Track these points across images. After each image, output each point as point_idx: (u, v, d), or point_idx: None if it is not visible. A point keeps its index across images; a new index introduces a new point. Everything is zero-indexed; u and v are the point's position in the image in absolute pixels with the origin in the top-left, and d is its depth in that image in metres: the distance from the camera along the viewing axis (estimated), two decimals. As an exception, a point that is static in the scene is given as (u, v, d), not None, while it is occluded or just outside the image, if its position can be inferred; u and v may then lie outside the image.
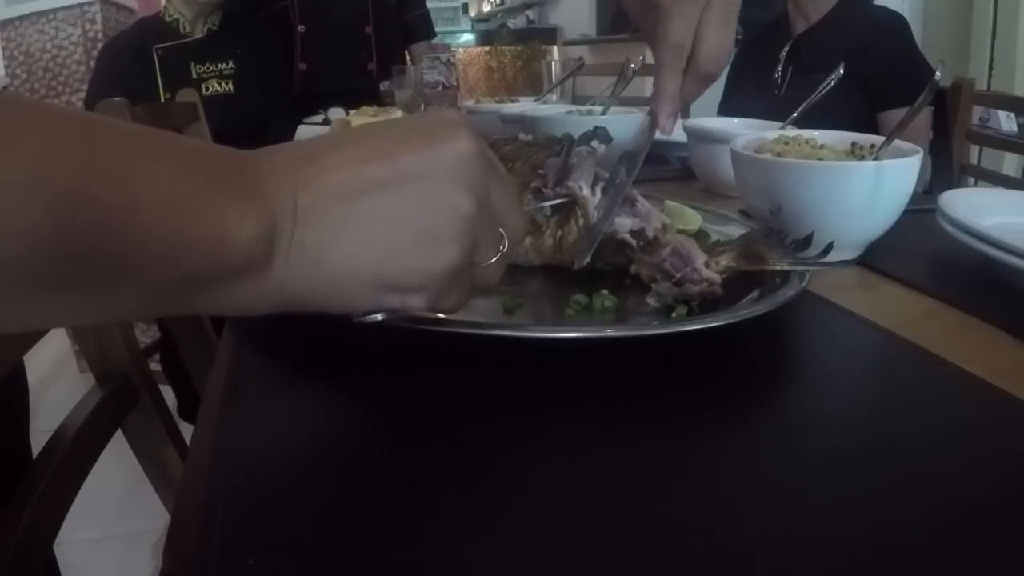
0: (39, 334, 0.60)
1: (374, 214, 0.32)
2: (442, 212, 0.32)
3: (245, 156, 0.31)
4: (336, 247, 0.32)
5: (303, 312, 0.34)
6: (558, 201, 0.55)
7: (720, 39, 0.52)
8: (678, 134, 1.05)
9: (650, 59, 0.59)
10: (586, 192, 0.55)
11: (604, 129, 0.59)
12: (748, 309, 0.46)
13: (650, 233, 0.52)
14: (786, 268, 0.50)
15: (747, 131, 0.79)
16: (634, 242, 0.52)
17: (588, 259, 0.52)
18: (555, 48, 4.81)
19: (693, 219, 0.66)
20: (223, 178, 0.29)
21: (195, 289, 0.29)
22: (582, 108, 1.05)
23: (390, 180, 0.32)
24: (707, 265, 0.49)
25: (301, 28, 2.03)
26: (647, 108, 0.57)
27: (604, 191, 0.55)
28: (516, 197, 0.38)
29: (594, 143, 0.58)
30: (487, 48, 4.89)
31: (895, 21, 1.68)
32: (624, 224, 0.53)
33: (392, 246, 0.32)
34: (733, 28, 0.53)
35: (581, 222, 0.55)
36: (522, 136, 0.69)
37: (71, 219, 0.24)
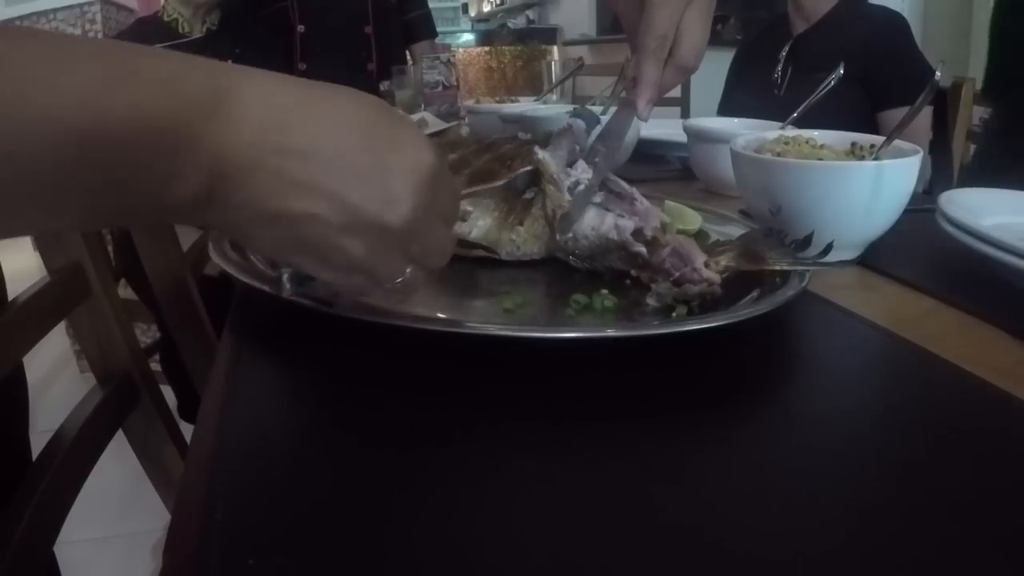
0: (37, 335, 0.60)
1: (291, 226, 0.35)
2: (335, 249, 0.36)
3: (215, 110, 0.32)
4: (256, 230, 0.36)
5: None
6: (521, 171, 0.56)
7: (701, 33, 0.55)
8: (678, 134, 1.05)
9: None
10: (541, 155, 0.55)
11: (591, 112, 0.60)
12: (748, 309, 0.46)
13: (648, 232, 0.52)
14: (786, 268, 0.50)
15: (747, 131, 0.79)
16: (645, 251, 0.52)
17: (570, 230, 0.54)
18: (555, 48, 4.81)
19: (693, 219, 0.66)
20: (180, 139, 0.31)
21: (136, 214, 0.35)
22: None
23: (320, 212, 0.35)
24: (707, 265, 0.49)
25: (300, 28, 2.02)
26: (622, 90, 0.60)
27: (592, 164, 0.57)
28: (444, 240, 0.41)
29: (572, 120, 0.61)
30: (487, 48, 4.89)
31: (895, 21, 1.67)
32: (626, 226, 0.53)
33: (294, 252, 0.37)
34: (710, 24, 0.56)
35: (551, 187, 0.55)
36: (521, 135, 0.69)
37: (49, 142, 0.28)
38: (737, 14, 3.53)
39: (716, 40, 3.59)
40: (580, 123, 0.62)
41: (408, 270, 0.40)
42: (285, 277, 0.46)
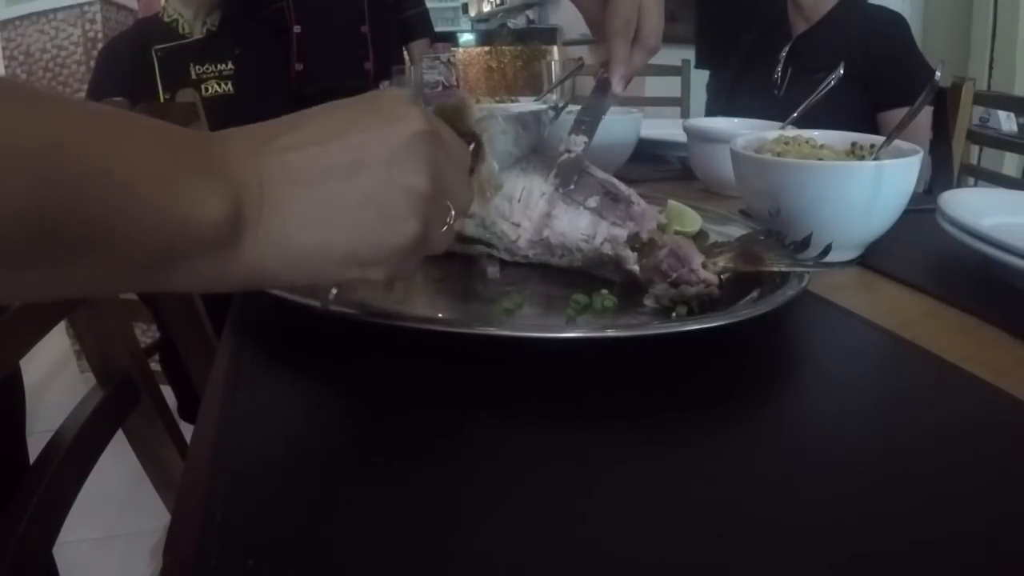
0: (37, 335, 0.60)
1: (336, 196, 0.33)
2: (399, 192, 0.34)
3: (207, 138, 0.32)
4: (301, 230, 0.33)
5: (269, 288, 0.36)
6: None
7: (658, 18, 0.62)
8: (678, 134, 1.05)
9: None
10: (488, 123, 0.54)
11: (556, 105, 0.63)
12: (748, 309, 0.46)
13: (644, 236, 0.53)
14: (784, 270, 0.50)
15: (747, 131, 0.79)
16: (638, 269, 0.52)
17: (571, 183, 0.56)
18: (555, 48, 4.80)
19: (693, 220, 0.66)
20: (189, 159, 0.30)
21: (163, 265, 0.30)
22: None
23: (350, 163, 0.33)
24: (704, 266, 0.49)
25: (297, 28, 2.02)
26: (600, 73, 0.64)
27: (580, 132, 0.61)
28: (464, 171, 0.41)
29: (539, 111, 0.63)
30: (487, 48, 4.89)
31: (895, 21, 1.67)
32: (619, 236, 0.53)
33: (355, 225, 0.33)
34: (663, 9, 0.63)
35: (483, 165, 0.54)
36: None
37: (44, 192, 0.25)
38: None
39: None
40: (542, 117, 0.63)
41: (451, 214, 0.38)
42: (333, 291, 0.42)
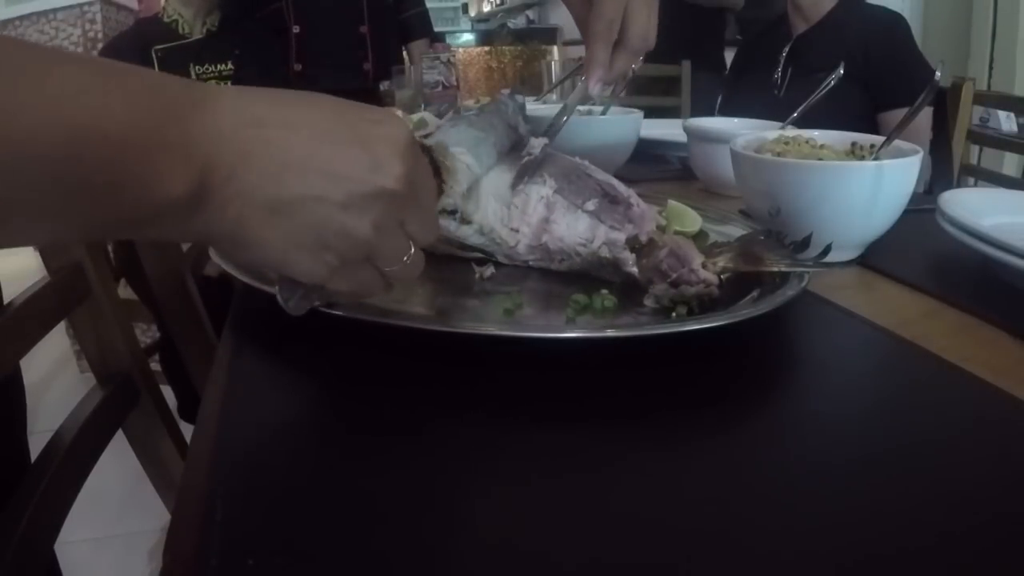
0: (37, 335, 0.60)
1: (292, 213, 0.35)
2: (339, 232, 0.36)
3: (196, 106, 0.33)
4: (253, 226, 0.35)
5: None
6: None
7: (646, 20, 0.61)
8: (678, 134, 1.05)
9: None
10: (434, 141, 0.54)
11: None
12: (748, 309, 0.46)
13: (644, 238, 0.53)
14: (784, 270, 0.50)
15: (747, 131, 0.79)
16: (637, 272, 0.52)
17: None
18: (555, 48, 4.80)
19: (694, 220, 0.66)
20: (169, 133, 0.32)
21: (130, 222, 0.33)
22: (582, 108, 1.05)
23: (320, 191, 0.35)
24: (705, 266, 0.49)
25: (296, 28, 2.02)
26: (582, 76, 0.64)
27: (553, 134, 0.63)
28: (431, 211, 0.42)
29: (502, 95, 0.64)
30: (487, 48, 4.88)
31: (895, 21, 1.67)
32: (618, 240, 0.53)
33: (290, 240, 0.36)
34: (656, 12, 0.62)
35: (445, 181, 0.55)
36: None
37: (41, 143, 0.27)
38: (737, 14, 3.52)
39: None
40: (516, 98, 0.64)
41: (409, 252, 0.39)
42: (279, 295, 0.42)
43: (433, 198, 0.42)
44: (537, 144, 0.60)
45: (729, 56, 2.46)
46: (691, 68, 2.13)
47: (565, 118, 0.65)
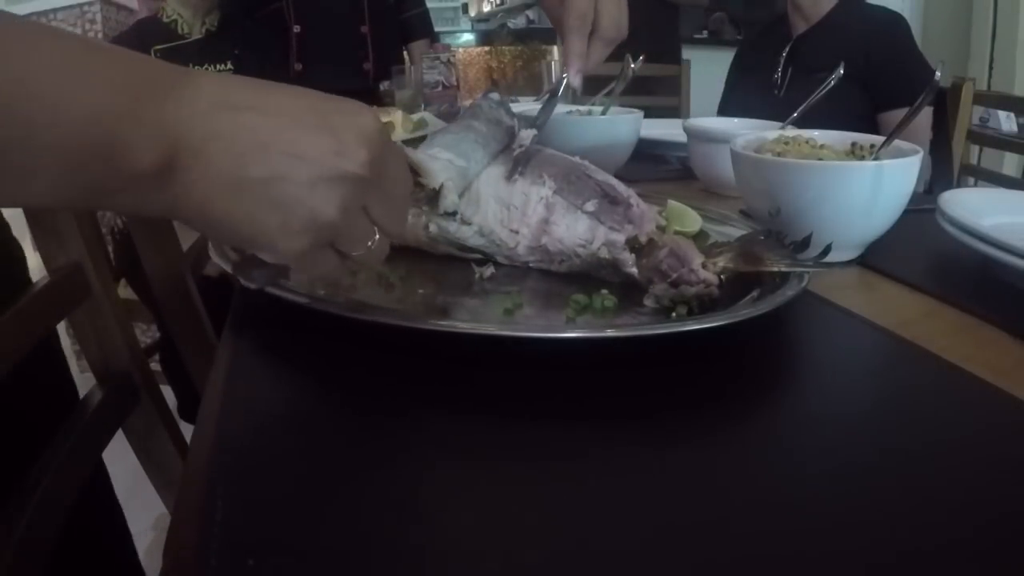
0: (37, 335, 0.60)
1: (255, 193, 0.36)
2: (304, 213, 0.36)
3: (174, 87, 0.34)
4: (219, 205, 0.36)
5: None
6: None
7: (616, 10, 0.66)
8: (678, 134, 1.05)
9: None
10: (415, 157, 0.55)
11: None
12: (748, 309, 0.46)
13: (643, 238, 0.53)
14: (784, 270, 0.50)
15: (747, 131, 0.79)
16: (636, 272, 0.52)
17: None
18: (555, 48, 4.80)
19: (694, 221, 0.66)
20: (144, 108, 0.33)
21: (98, 192, 0.34)
22: (582, 108, 1.05)
23: (284, 172, 0.36)
24: (705, 266, 0.49)
25: (296, 28, 2.02)
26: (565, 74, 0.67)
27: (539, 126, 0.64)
28: (400, 203, 0.42)
29: (479, 100, 0.65)
30: (487, 48, 4.88)
31: (895, 21, 1.67)
32: (617, 241, 0.53)
33: (259, 224, 0.37)
34: (625, 3, 0.66)
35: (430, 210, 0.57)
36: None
37: (22, 110, 0.29)
38: (737, 14, 3.53)
39: (716, 40, 3.60)
40: (490, 96, 0.65)
41: (373, 238, 0.41)
42: (237, 271, 0.44)
43: (403, 189, 0.43)
44: (527, 135, 0.61)
45: (687, 51, 2.46)
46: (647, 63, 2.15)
47: (551, 109, 0.67)
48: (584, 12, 0.64)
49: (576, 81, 0.66)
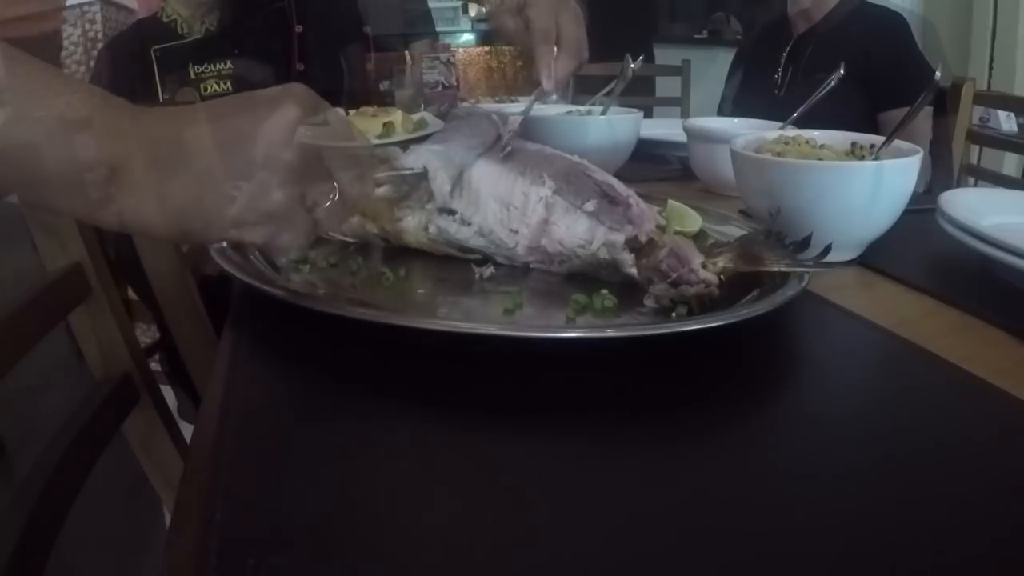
0: (38, 335, 0.60)
1: (180, 191, 0.41)
2: (247, 198, 0.41)
3: (135, 116, 0.41)
4: (155, 216, 0.41)
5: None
6: (408, 172, 0.59)
7: (575, 28, 0.74)
8: (678, 134, 1.05)
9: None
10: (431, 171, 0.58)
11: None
12: (748, 309, 0.46)
13: (643, 238, 0.52)
14: (784, 270, 0.50)
15: (747, 131, 0.79)
16: (635, 272, 0.52)
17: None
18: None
19: (694, 220, 0.66)
20: (103, 122, 0.39)
21: (54, 185, 0.39)
22: (582, 108, 1.05)
23: (203, 165, 0.41)
24: (705, 266, 0.49)
25: (298, 28, 2.02)
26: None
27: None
28: (329, 178, 0.45)
29: (460, 110, 0.72)
30: (487, 48, 4.88)
31: (895, 21, 1.67)
32: (616, 241, 0.53)
33: (200, 218, 0.42)
34: (583, 27, 0.75)
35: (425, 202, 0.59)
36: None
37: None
38: (737, 14, 3.52)
39: (716, 40, 3.60)
40: (462, 105, 0.69)
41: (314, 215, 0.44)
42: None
43: (323, 169, 0.45)
44: (514, 120, 0.64)
45: (659, 50, 2.46)
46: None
47: (533, 102, 0.76)
48: (547, 28, 0.72)
49: (549, 86, 0.72)
